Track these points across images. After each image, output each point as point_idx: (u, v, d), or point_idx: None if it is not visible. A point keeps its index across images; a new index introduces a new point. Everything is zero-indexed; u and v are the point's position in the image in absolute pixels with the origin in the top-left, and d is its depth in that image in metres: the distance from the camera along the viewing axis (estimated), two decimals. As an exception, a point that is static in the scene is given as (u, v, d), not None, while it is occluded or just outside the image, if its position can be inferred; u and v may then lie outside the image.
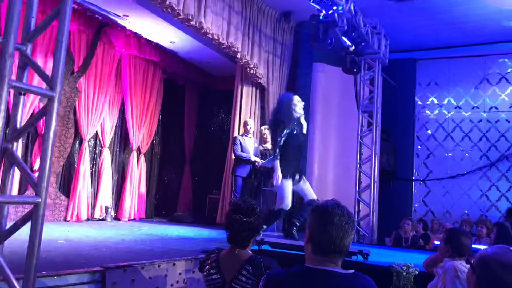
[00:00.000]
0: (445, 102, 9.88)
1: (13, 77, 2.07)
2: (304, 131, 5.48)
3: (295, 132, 5.16)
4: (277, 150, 5.12)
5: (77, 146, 7.38)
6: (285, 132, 5.12)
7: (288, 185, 5.11)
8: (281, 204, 5.13)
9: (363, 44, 7.27)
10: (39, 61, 6.17)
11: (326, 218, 1.71)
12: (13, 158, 2.18)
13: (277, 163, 5.08)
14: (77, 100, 7.19)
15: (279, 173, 5.06)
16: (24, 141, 6.51)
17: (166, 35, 7.80)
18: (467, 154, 9.50)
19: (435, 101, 9.98)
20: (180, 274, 3.73)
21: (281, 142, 5.09)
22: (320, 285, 1.65)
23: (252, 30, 7.49)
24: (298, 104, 5.31)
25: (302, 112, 5.33)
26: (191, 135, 10.05)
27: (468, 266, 1.71)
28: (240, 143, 7.06)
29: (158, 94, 8.82)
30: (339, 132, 8.64)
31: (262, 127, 7.49)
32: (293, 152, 5.17)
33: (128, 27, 7.57)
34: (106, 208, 7.60)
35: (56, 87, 2.19)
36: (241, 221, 2.48)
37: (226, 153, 8.14)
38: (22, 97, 2.31)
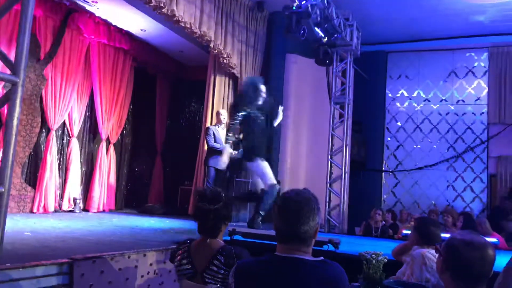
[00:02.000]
0: (415, 94, 10.09)
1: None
2: (275, 123, 5.51)
3: (252, 115, 5.14)
4: (231, 133, 5.19)
5: (44, 135, 7.15)
6: (240, 114, 5.13)
7: (263, 163, 5.14)
8: (267, 181, 5.18)
9: (335, 35, 7.33)
10: (2, 48, 5.93)
11: (283, 205, 1.72)
12: (-26, 146, 2.09)
13: (228, 147, 5.21)
14: (44, 88, 6.96)
15: (225, 158, 5.20)
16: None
17: (136, 22, 7.64)
18: (435, 146, 9.75)
19: (405, 94, 10.18)
20: (151, 265, 3.68)
21: (236, 125, 5.15)
22: (289, 273, 1.66)
23: (225, 19, 7.42)
24: (262, 90, 5.32)
25: (261, 101, 5.27)
26: (162, 126, 9.92)
27: (436, 255, 1.75)
28: (214, 134, 7.00)
29: (128, 83, 8.65)
30: (311, 123, 8.70)
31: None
32: (259, 139, 5.19)
33: (97, 14, 7.37)
34: (75, 199, 7.42)
35: (20, 73, 2.11)
36: (207, 208, 2.45)
37: (198, 143, 8.08)
38: (-17, 82, 2.21)
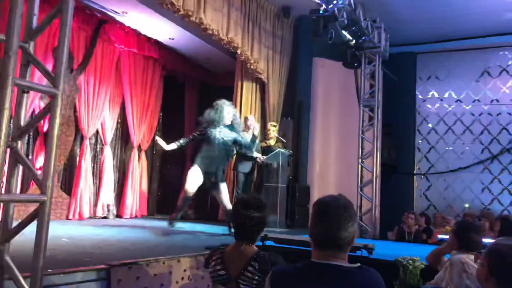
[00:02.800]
0: (446, 95, 9.87)
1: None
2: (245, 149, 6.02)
3: (212, 134, 5.65)
4: (185, 139, 5.98)
5: (78, 144, 7.35)
6: (202, 128, 5.78)
7: (194, 171, 5.58)
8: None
9: (363, 38, 7.27)
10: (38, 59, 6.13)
11: (321, 211, 1.71)
12: (18, 156, 2.17)
13: (172, 145, 5.92)
14: (77, 98, 7.16)
15: (164, 146, 5.93)
16: (25, 140, 6.49)
17: (165, 31, 7.77)
18: (468, 148, 9.50)
19: (436, 95, 9.97)
20: (185, 270, 3.72)
21: (195, 136, 5.92)
22: (326, 280, 1.65)
23: (251, 25, 7.47)
24: (226, 115, 5.76)
25: (228, 121, 5.78)
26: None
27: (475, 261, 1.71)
28: (242, 139, 7.04)
29: (158, 91, 8.79)
30: (340, 127, 8.64)
31: (269, 124, 7.52)
32: (207, 152, 5.67)
33: (127, 24, 7.54)
34: (108, 206, 7.58)
35: (59, 85, 2.18)
36: (252, 216, 2.48)
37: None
38: (25, 95, 2.29)
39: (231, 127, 5.82)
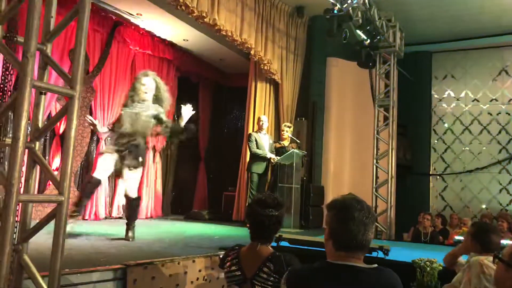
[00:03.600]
0: (462, 95, 9.74)
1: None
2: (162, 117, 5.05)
3: (129, 108, 4.86)
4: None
5: (94, 145, 7.43)
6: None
7: (104, 155, 4.81)
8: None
9: (378, 37, 7.21)
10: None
11: (346, 214, 1.68)
12: (36, 157, 2.20)
13: (105, 128, 5.21)
14: (93, 99, 7.24)
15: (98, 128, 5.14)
16: (41, 141, 6.58)
17: (179, 33, 7.81)
18: (485, 148, 9.36)
19: (452, 94, 9.85)
20: (200, 271, 3.73)
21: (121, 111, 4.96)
22: (344, 281, 1.63)
23: (265, 26, 7.47)
24: (139, 85, 4.93)
25: (143, 94, 4.92)
26: (205, 133, 10.06)
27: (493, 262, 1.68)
28: (256, 140, 7.04)
29: (172, 92, 8.83)
30: (355, 127, 8.58)
31: (283, 124, 7.50)
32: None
33: (141, 26, 7.61)
34: (123, 206, 7.64)
35: (76, 86, 2.20)
36: (270, 215, 2.48)
37: (241, 150, 8.14)
38: (43, 96, 2.32)
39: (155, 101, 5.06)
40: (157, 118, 4.98)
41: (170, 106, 5.71)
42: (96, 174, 4.75)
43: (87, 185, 4.79)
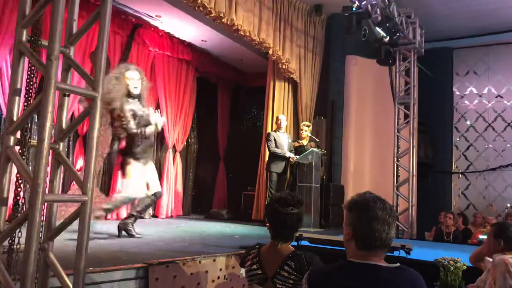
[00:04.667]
0: (485, 91, 9.55)
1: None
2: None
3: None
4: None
5: (115, 145, 7.52)
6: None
7: (134, 169, 4.76)
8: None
9: (397, 34, 7.13)
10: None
11: (370, 213, 1.67)
12: (61, 158, 2.25)
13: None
14: (114, 100, 7.33)
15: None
16: (65, 142, 6.70)
17: (198, 34, 7.87)
18: (509, 145, 9.16)
19: (474, 91, 9.67)
20: (220, 270, 3.76)
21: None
22: (366, 280, 1.62)
23: (283, 25, 7.45)
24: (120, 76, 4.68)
25: (133, 89, 4.72)
26: (224, 132, 10.11)
27: None
28: (274, 139, 7.04)
29: (191, 93, 8.91)
30: (375, 125, 8.50)
31: (301, 124, 7.48)
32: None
33: (160, 27, 7.69)
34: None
35: (99, 87, 2.24)
36: (291, 213, 2.48)
37: (260, 149, 8.14)
38: (66, 98, 2.37)
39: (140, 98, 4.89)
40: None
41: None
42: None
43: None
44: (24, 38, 2.21)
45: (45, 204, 2.14)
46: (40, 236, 2.07)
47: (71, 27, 2.35)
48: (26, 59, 2.23)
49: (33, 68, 2.22)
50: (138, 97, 4.89)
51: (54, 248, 2.25)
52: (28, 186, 2.03)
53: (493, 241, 2.74)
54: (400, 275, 1.64)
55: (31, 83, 2.23)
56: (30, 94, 2.22)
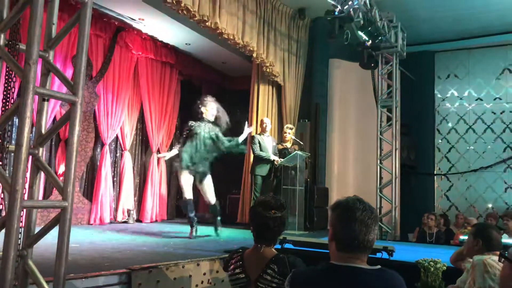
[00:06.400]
0: (466, 94, 9.71)
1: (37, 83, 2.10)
2: (221, 139, 5.96)
3: (197, 131, 5.81)
4: (180, 141, 6.08)
5: (98, 150, 7.46)
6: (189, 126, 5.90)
7: (184, 176, 5.73)
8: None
9: (379, 38, 7.21)
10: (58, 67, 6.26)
11: (349, 214, 1.69)
12: (40, 163, 2.22)
13: (174, 151, 6.05)
14: (96, 104, 7.27)
15: (168, 156, 6.19)
16: (47, 146, 6.62)
17: (181, 37, 7.85)
18: (489, 147, 9.32)
19: (455, 94, 9.83)
20: (204, 274, 3.74)
21: (184, 135, 5.99)
22: (347, 282, 1.64)
23: (267, 28, 7.48)
24: (205, 111, 5.94)
25: (211, 117, 5.94)
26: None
27: (499, 261, 1.67)
28: (259, 142, 7.05)
29: (175, 96, 8.88)
30: (358, 128, 8.58)
31: (285, 126, 7.49)
32: (191, 148, 5.76)
33: (144, 31, 7.65)
34: (129, 210, 7.67)
35: (79, 92, 2.22)
36: (274, 216, 2.49)
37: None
38: (46, 103, 2.34)
39: (215, 123, 5.99)
40: (218, 137, 6.00)
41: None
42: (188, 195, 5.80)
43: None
44: (1, 42, 2.18)
45: (24, 210, 2.11)
46: (19, 243, 2.04)
47: (51, 30, 2.32)
48: (4, 64, 2.20)
49: (11, 72, 2.19)
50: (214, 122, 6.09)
51: (35, 254, 2.22)
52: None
53: (472, 241, 2.78)
54: (381, 278, 1.66)
55: (9, 87, 2.20)
56: (8, 99, 2.19)
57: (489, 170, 9.20)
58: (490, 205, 9.09)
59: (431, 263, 2.40)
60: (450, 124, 9.79)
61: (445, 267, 2.44)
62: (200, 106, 5.98)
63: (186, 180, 5.78)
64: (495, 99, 9.39)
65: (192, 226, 5.82)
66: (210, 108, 5.95)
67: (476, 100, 9.59)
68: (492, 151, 9.28)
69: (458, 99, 9.78)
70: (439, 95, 9.95)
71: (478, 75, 9.60)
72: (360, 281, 1.63)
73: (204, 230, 5.95)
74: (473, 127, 9.55)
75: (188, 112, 9.50)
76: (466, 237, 4.94)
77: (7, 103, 2.18)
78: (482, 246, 2.68)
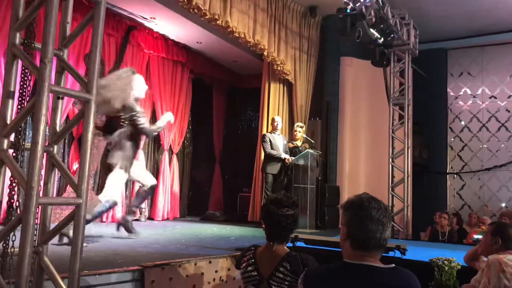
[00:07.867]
0: (479, 92, 9.60)
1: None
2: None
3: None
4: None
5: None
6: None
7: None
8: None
9: (392, 35, 7.16)
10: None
11: (364, 213, 1.68)
12: (55, 160, 2.24)
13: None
14: (109, 103, 7.31)
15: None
16: (61, 144, 6.67)
17: (192, 35, 7.87)
18: (503, 145, 9.21)
19: (468, 92, 9.72)
20: (216, 271, 3.75)
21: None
22: (361, 281, 1.63)
23: (278, 26, 7.47)
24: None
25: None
26: (219, 134, 10.11)
27: None
28: (270, 141, 7.04)
29: (187, 94, 8.90)
30: (370, 126, 8.53)
31: (295, 125, 7.48)
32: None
33: (155, 29, 7.68)
34: (140, 208, 7.71)
35: (93, 90, 2.24)
36: (287, 214, 2.49)
37: (255, 150, 8.15)
38: (60, 101, 2.36)
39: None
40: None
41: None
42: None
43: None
44: (17, 41, 2.20)
45: (39, 207, 2.13)
46: (35, 239, 2.07)
47: (65, 29, 2.34)
48: (20, 62, 2.23)
49: (26, 70, 2.21)
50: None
51: (50, 250, 2.24)
52: (22, 189, 2.03)
53: (490, 239, 2.74)
54: (395, 276, 1.65)
55: (25, 86, 2.23)
56: (23, 97, 2.22)
57: (503, 169, 9.09)
58: (503, 204, 8.98)
59: (445, 262, 2.38)
60: (463, 122, 9.69)
61: (459, 266, 2.42)
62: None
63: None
64: (509, 97, 9.27)
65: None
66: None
67: (490, 98, 9.47)
68: (506, 149, 9.17)
69: (471, 97, 9.67)
70: (451, 93, 9.85)
71: (491, 73, 9.48)
72: (374, 279, 1.63)
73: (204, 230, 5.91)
74: (486, 125, 9.44)
75: (200, 110, 9.61)
76: (480, 236, 4.90)
77: (23, 101, 2.20)
78: (501, 244, 2.64)
